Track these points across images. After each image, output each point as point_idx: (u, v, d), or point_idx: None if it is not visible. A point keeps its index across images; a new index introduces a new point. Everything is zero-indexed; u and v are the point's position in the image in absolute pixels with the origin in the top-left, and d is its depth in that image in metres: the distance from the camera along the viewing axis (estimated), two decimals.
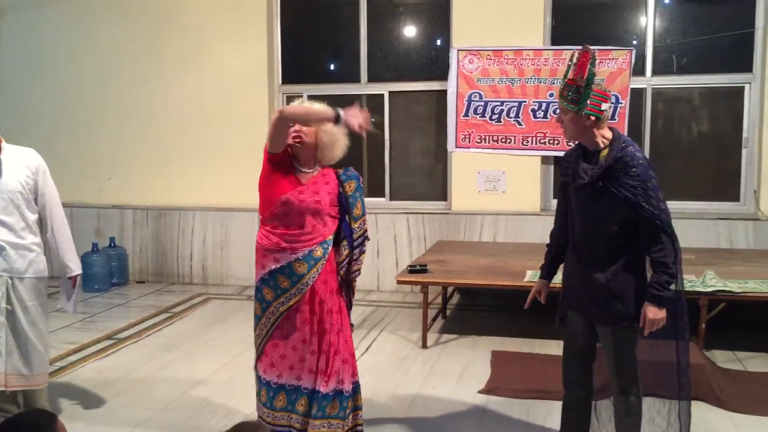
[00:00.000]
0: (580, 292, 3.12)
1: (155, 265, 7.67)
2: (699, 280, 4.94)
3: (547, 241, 3.47)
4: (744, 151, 6.45)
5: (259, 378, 3.35)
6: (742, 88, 6.43)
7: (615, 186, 2.91)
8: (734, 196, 6.52)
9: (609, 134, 3.01)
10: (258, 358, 3.35)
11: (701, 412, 4.00)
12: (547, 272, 3.43)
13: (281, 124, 3.14)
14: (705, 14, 6.50)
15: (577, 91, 2.91)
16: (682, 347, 3.14)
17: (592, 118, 2.93)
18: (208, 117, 7.40)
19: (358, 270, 3.44)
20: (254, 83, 7.27)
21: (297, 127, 3.23)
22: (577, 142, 3.12)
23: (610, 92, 2.99)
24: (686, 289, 4.79)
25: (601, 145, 3.00)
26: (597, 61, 2.94)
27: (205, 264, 7.49)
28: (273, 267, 3.23)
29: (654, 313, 2.92)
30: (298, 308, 3.25)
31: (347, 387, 3.34)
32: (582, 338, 3.21)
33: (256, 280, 3.31)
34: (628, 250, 2.99)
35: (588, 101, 2.91)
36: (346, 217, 3.34)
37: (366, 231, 3.41)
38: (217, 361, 4.97)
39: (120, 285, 7.47)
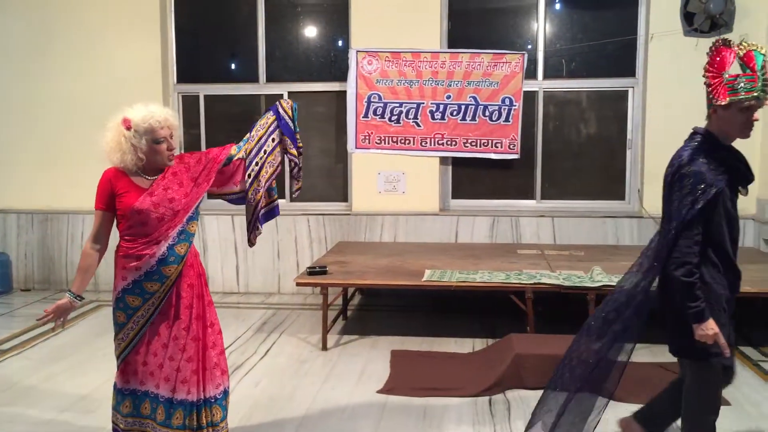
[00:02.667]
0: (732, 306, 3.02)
1: (42, 272, 7.29)
2: (587, 276, 5.15)
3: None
4: (628, 152, 6.79)
5: (118, 388, 3.21)
6: (626, 92, 6.76)
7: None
8: (620, 195, 6.85)
9: None
10: (121, 369, 3.20)
11: None
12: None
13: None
14: (592, 21, 6.80)
15: None
16: None
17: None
18: (98, 117, 6.95)
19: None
20: (147, 82, 7.03)
21: (171, 144, 3.17)
22: (724, 144, 2.96)
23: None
24: (575, 284, 5.02)
25: None
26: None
27: (96, 270, 7.14)
28: (136, 277, 3.11)
29: None
30: (162, 311, 3.16)
31: (211, 394, 3.25)
32: None
33: (117, 292, 3.18)
34: None
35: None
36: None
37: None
38: (107, 371, 4.72)
39: (3, 294, 7.04)
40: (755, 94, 2.81)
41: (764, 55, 2.83)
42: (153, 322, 3.16)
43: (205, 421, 3.21)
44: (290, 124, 3.53)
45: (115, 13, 7.00)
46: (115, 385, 3.23)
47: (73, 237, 7.17)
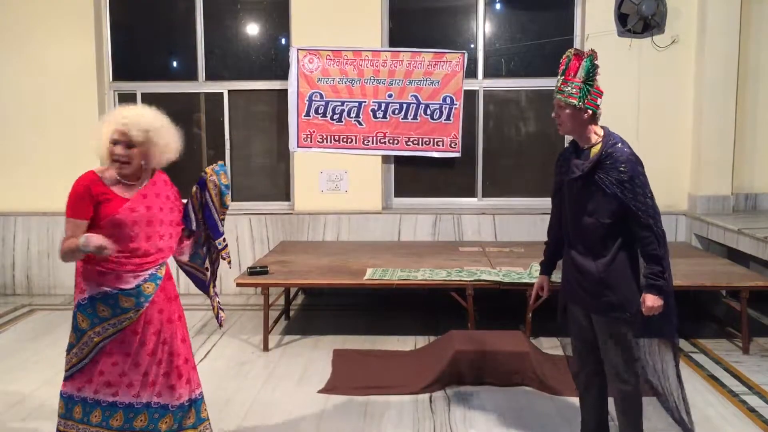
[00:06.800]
0: (576, 284, 3.22)
1: None
2: (526, 272, 5.23)
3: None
4: None
5: (70, 397, 3.06)
6: None
7: (604, 180, 3.03)
8: None
9: (601, 131, 3.16)
10: (71, 377, 3.05)
11: (526, 397, 4.24)
12: (547, 268, 3.52)
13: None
14: (530, 22, 6.91)
15: (577, 87, 3.06)
16: (675, 345, 3.34)
17: (590, 112, 3.08)
18: (31, 116, 6.87)
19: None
20: (82, 80, 6.83)
21: (120, 150, 2.92)
22: (571, 141, 3.25)
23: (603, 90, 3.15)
24: (514, 281, 5.09)
25: (593, 141, 3.13)
26: (594, 59, 3.08)
27: (30, 273, 6.94)
28: (94, 293, 2.97)
29: (653, 301, 3.04)
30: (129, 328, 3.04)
31: (196, 395, 3.26)
32: (587, 328, 3.28)
33: (75, 304, 3.04)
34: (620, 243, 3.09)
35: (588, 96, 3.07)
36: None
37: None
38: (39, 377, 4.61)
39: None
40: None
41: (570, 59, 3.11)
42: (115, 339, 3.02)
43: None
44: (214, 210, 3.21)
45: (46, 8, 6.78)
46: (71, 396, 3.06)
47: (4, 239, 6.89)
